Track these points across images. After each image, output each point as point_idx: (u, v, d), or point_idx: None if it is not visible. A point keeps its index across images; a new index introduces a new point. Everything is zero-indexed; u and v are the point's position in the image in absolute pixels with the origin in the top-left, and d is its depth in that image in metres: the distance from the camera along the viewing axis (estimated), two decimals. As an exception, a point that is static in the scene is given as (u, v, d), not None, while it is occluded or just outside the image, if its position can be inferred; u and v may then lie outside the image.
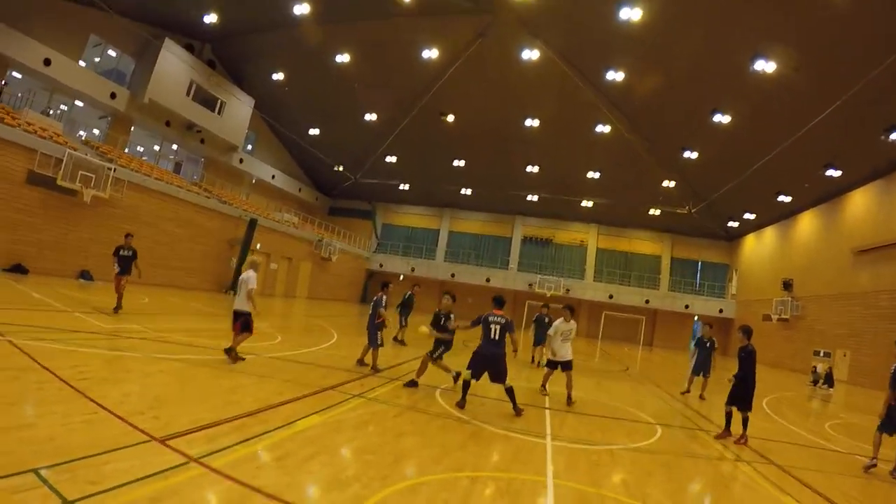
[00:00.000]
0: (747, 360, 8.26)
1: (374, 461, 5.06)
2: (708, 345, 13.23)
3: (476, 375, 8.04)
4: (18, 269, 18.11)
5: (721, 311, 40.28)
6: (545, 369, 10.77)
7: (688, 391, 13.55)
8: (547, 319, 15.52)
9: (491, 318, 8.08)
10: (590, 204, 40.05)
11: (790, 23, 19.57)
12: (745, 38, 20.92)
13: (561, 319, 10.26)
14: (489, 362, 8.02)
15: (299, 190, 43.81)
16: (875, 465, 7.45)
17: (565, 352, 10.07)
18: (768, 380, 23.15)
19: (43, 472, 3.49)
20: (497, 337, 8.03)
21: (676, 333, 41.76)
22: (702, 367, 13.20)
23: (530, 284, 42.41)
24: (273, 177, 39.90)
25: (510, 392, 8.01)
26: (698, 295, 42.56)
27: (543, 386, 10.56)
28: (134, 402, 5.66)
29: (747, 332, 8.55)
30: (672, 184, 34.39)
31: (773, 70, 21.52)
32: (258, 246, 29.49)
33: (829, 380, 21.95)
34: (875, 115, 21.13)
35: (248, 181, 37.87)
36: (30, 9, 21.48)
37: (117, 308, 12.48)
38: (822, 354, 26.89)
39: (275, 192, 40.30)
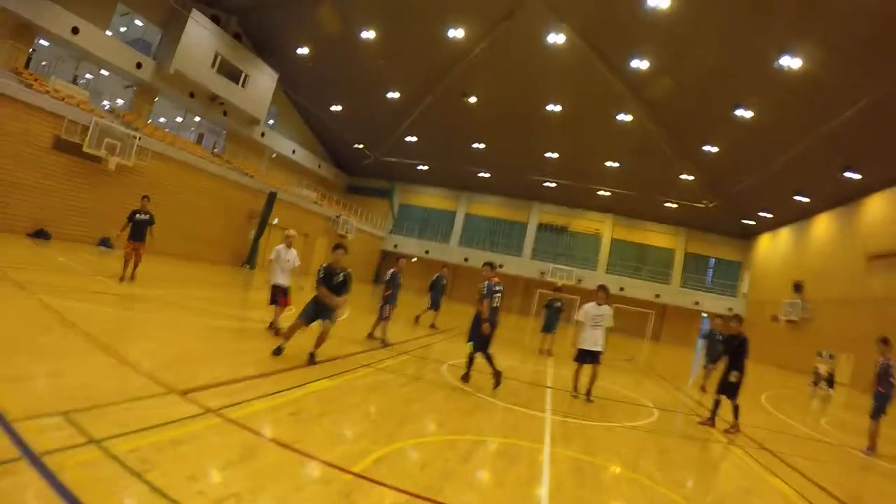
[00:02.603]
0: (740, 348, 8.42)
1: (382, 421, 5.39)
2: (720, 338, 12.85)
3: (480, 347, 8.17)
4: (42, 235, 18.57)
5: (730, 309, 40.03)
6: (571, 363, 9.25)
7: (703, 388, 13.06)
8: (558, 304, 15.24)
9: (496, 288, 8.25)
10: (607, 193, 39.93)
11: (818, 19, 19.30)
12: (772, 32, 20.65)
13: (593, 303, 8.91)
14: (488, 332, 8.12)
15: (318, 166, 44.09)
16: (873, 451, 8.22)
17: (595, 340, 8.76)
18: (770, 378, 23.31)
19: (71, 416, 3.73)
20: (498, 305, 8.27)
21: (685, 329, 41.64)
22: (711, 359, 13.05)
23: (542, 273, 42.52)
24: (293, 151, 40.19)
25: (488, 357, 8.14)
26: (709, 292, 42.37)
27: (575, 388, 9.07)
28: (156, 359, 6.01)
29: (739, 319, 8.82)
30: (690, 178, 34.18)
31: (799, 67, 21.28)
32: (276, 220, 29.90)
33: (830, 381, 22.03)
34: (897, 119, 20.85)
35: (269, 155, 38.19)
36: (59, -24, 21.73)
37: (124, 278, 11.63)
38: (825, 356, 26.79)
39: (294, 167, 40.61)
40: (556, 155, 36.77)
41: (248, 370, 6.24)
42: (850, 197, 28.19)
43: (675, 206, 38.55)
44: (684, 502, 4.69)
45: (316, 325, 7.36)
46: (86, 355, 5.54)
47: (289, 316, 9.03)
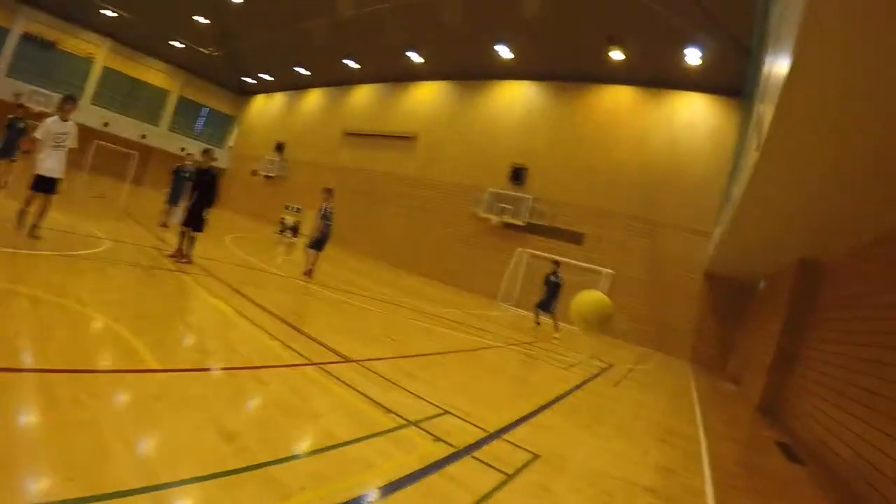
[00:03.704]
0: (211, 182, 8.83)
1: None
2: (186, 175, 13.90)
3: None
4: None
5: (216, 159, 41.12)
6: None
7: (165, 224, 13.50)
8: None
9: None
10: (112, 14, 33.36)
11: None
12: None
13: (55, 117, 7.51)
14: None
15: None
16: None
17: (56, 165, 7.49)
18: (243, 224, 25.56)
19: None
20: None
21: (169, 175, 40.01)
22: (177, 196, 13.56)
23: (17, 95, 32.62)
24: None
25: None
26: (196, 140, 42.00)
27: (20, 222, 7.38)
28: None
29: (210, 155, 9.21)
30: (205, 21, 32.08)
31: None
32: None
33: (294, 231, 26.11)
34: (401, 30, 24.87)
35: None
36: None
37: None
38: (293, 209, 31.11)
39: None
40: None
41: None
42: (343, 81, 32.57)
43: (181, 46, 35.81)
44: (110, 321, 4.68)
45: None
46: None
47: None
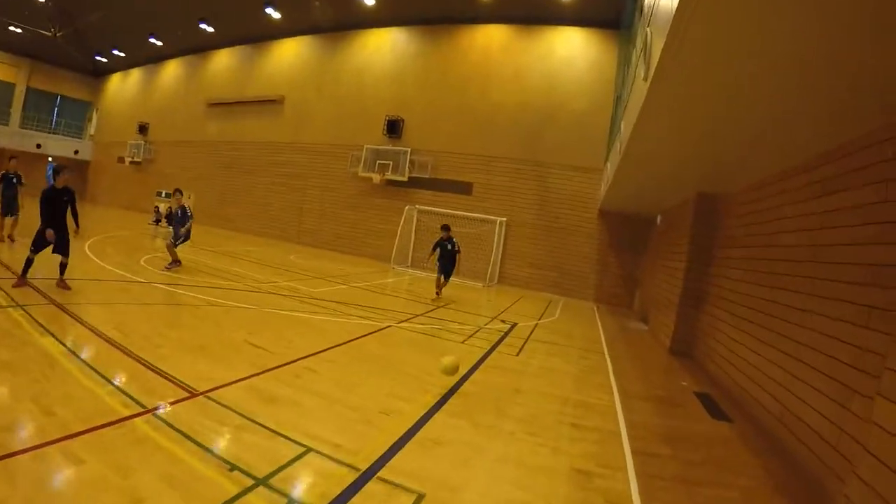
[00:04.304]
0: (70, 202, 7.81)
1: None
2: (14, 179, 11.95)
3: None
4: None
5: (77, 152, 36.94)
6: None
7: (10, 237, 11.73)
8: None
9: None
10: None
11: None
12: None
13: None
14: None
15: None
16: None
17: None
18: (112, 220, 22.87)
19: None
20: None
21: (27, 175, 35.62)
22: (9, 207, 11.65)
23: None
24: None
25: None
26: (54, 134, 37.58)
27: None
28: None
29: (63, 173, 7.76)
30: (42, -1, 27.95)
31: None
32: None
33: (169, 219, 23.48)
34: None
35: None
36: None
37: None
38: (164, 195, 28.40)
39: None
40: None
41: None
42: (201, 47, 29.57)
43: (19, 31, 31.31)
44: None
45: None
46: None
47: None
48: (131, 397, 4.07)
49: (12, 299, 6.47)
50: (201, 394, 4.36)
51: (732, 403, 6.65)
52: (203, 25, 26.84)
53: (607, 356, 8.76)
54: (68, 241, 7.73)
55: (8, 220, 11.69)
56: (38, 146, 35.71)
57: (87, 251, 11.95)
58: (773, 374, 5.81)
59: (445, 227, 12.90)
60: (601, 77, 18.21)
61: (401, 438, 4.07)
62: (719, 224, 9.59)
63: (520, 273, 19.15)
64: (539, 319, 12.05)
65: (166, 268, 10.86)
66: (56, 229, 7.50)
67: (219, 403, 4.21)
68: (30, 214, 9.78)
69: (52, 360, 4.66)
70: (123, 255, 12.58)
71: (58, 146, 36.16)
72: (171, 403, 4.08)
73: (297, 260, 17.21)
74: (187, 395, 4.31)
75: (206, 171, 27.93)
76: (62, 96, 38.42)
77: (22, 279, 7.29)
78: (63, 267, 7.62)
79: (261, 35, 26.65)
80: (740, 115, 5.20)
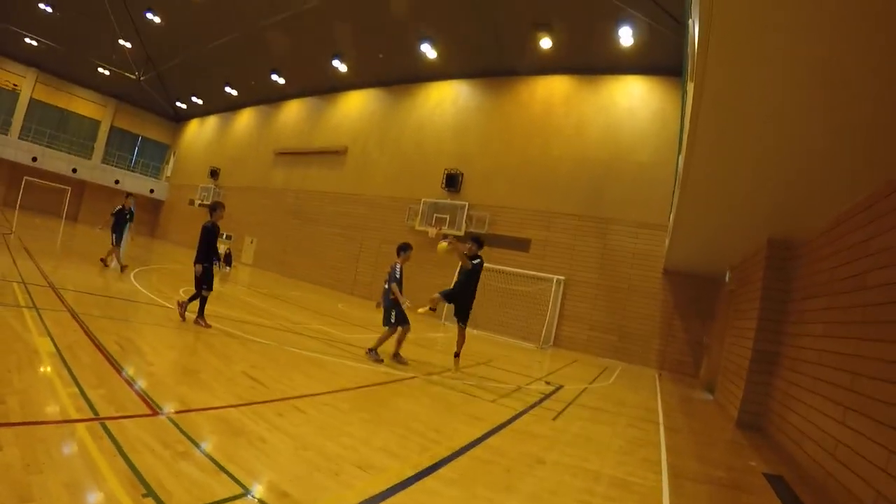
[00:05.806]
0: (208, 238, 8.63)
1: None
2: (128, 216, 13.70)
3: None
4: None
5: (152, 191, 38.88)
6: None
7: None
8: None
9: None
10: (34, 42, 31.18)
11: None
12: None
13: None
14: None
15: None
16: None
17: None
18: (172, 255, 23.52)
19: None
20: None
21: (107, 209, 37.60)
22: (120, 238, 13.50)
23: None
24: None
25: None
26: (132, 171, 39.69)
27: None
28: None
29: (215, 207, 8.63)
30: (128, 44, 30.02)
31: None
32: None
33: (227, 260, 23.86)
34: (323, 38, 23.28)
35: None
36: None
37: None
38: (224, 237, 29.11)
39: None
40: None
41: None
42: (272, 98, 30.70)
43: (107, 73, 33.61)
44: None
45: None
46: None
47: None
48: (90, 403, 3.82)
49: (32, 301, 6.63)
50: (164, 414, 3.93)
51: (813, 489, 5.37)
52: (274, 77, 27.94)
53: (661, 427, 7.57)
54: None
55: (116, 250, 13.12)
56: (117, 182, 37.73)
57: (132, 278, 12.14)
58: (867, 452, 4.59)
59: (476, 240, 9.25)
60: (664, 127, 17.36)
61: (366, 501, 3.18)
62: (795, 273, 8.40)
63: (578, 336, 18.08)
64: (590, 383, 10.97)
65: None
66: (210, 262, 8.10)
67: (177, 427, 3.71)
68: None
69: (36, 357, 4.64)
70: (166, 285, 12.64)
71: (135, 184, 38.05)
72: (127, 417, 3.69)
73: (343, 308, 16.84)
74: (149, 412, 3.90)
75: (270, 217, 28.54)
76: (143, 137, 40.77)
77: (201, 319, 7.94)
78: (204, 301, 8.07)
79: (328, 87, 27.40)
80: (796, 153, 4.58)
